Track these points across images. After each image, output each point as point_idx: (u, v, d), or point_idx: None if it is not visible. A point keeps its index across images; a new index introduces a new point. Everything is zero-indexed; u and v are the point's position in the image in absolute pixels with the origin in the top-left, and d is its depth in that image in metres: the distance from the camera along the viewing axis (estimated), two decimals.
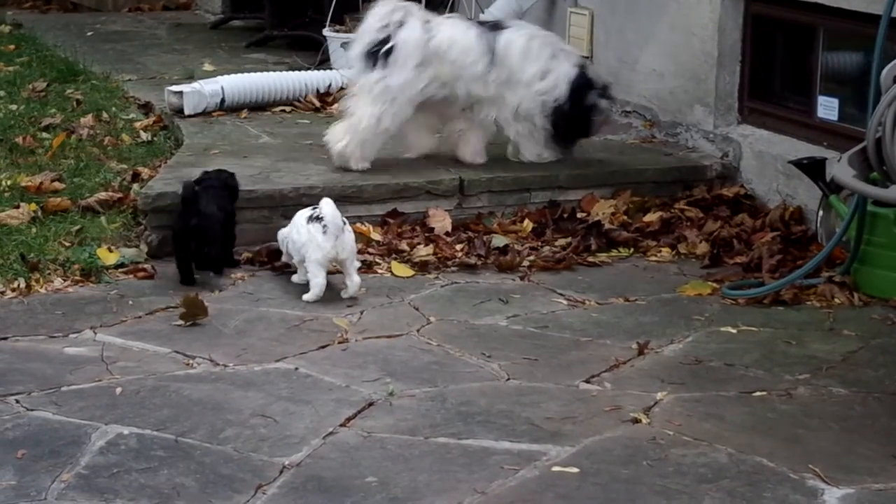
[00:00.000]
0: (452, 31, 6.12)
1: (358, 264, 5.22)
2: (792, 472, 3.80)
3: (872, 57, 5.13)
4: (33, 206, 5.86)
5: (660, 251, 5.78)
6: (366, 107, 6.05)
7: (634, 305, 5.17)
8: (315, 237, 5.08)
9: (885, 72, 4.81)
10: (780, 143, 6.10)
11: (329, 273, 5.16)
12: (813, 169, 5.54)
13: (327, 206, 5.11)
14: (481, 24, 6.34)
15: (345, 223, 5.13)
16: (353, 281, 5.14)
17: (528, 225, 5.90)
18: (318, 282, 5.11)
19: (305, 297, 5.12)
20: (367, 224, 5.78)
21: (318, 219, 5.09)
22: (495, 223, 5.93)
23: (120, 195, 6.01)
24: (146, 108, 7.50)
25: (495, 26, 6.27)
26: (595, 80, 6.28)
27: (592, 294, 5.27)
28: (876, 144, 4.80)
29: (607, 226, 5.88)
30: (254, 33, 9.43)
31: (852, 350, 4.73)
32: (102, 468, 3.75)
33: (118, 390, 4.27)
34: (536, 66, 6.15)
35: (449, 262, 5.57)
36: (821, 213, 5.58)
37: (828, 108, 5.92)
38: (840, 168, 4.88)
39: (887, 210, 5.14)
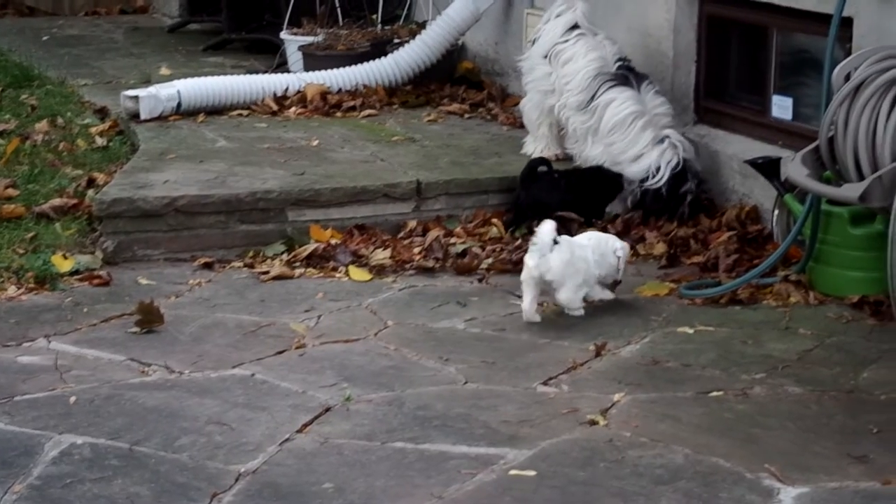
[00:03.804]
0: (578, 48, 6.23)
1: (573, 287, 4.97)
2: (748, 471, 3.81)
3: (824, 56, 5.16)
4: None
5: None
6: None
7: (592, 307, 5.16)
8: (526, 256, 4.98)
9: (836, 71, 4.85)
10: (735, 142, 6.12)
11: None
12: (768, 168, 5.56)
13: (542, 227, 4.97)
14: (619, 66, 6.20)
15: (556, 243, 4.92)
16: (560, 298, 4.98)
17: (490, 229, 5.90)
18: (522, 305, 4.98)
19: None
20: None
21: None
22: (459, 226, 5.92)
23: (75, 201, 5.97)
24: (102, 112, 7.44)
25: (621, 77, 6.15)
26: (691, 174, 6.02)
27: (550, 296, 5.26)
28: (829, 143, 4.84)
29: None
30: (211, 37, 9.39)
31: (808, 349, 4.75)
32: (55, 479, 3.72)
33: (72, 399, 4.23)
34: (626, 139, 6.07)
35: (407, 266, 5.57)
36: (776, 212, 5.61)
37: (782, 107, 5.94)
38: (794, 167, 4.91)
39: (841, 209, 5.16)
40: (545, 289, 4.99)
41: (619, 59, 6.24)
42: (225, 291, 5.30)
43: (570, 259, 4.94)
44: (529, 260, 4.93)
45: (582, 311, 5.02)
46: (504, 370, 4.55)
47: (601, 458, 3.88)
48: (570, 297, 4.98)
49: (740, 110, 6.24)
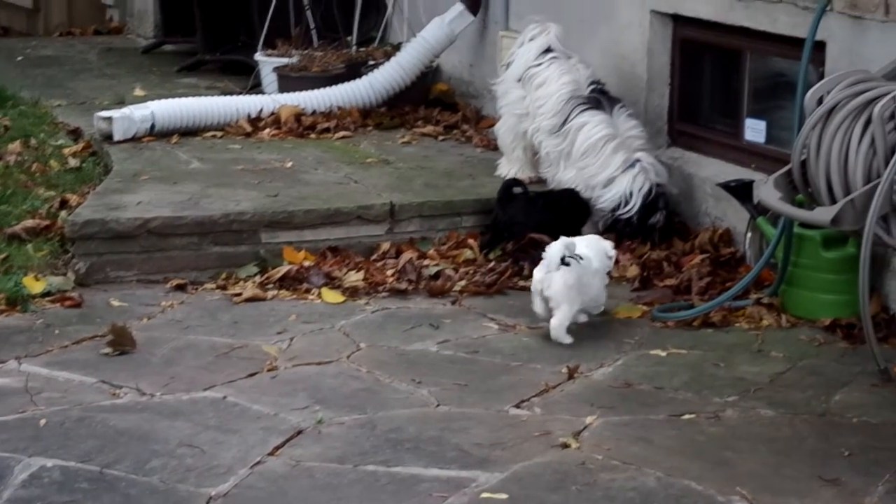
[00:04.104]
0: (552, 72, 6.21)
1: (567, 314, 4.99)
2: (720, 494, 3.81)
3: (797, 80, 5.18)
4: None
5: None
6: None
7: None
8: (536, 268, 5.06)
9: (809, 95, 4.87)
10: (708, 165, 6.14)
11: None
12: (740, 191, 5.58)
13: (554, 244, 5.04)
14: (592, 90, 6.18)
15: (564, 264, 4.95)
16: (552, 323, 5.00)
17: (464, 251, 5.89)
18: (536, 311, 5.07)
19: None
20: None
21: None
22: (432, 249, 5.92)
23: (47, 223, 5.95)
24: (75, 133, 7.42)
25: (593, 101, 6.14)
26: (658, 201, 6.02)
27: (523, 318, 5.26)
28: (801, 167, 4.86)
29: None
30: (186, 58, 9.38)
31: (780, 371, 4.76)
32: (25, 502, 3.69)
33: (42, 422, 4.20)
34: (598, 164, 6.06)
35: (380, 288, 5.56)
36: (749, 235, 5.62)
37: (755, 130, 5.97)
38: (766, 190, 4.93)
39: (813, 232, 5.18)
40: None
41: (593, 83, 6.25)
42: (197, 313, 5.28)
43: (574, 283, 4.97)
44: (537, 273, 5.03)
45: (570, 340, 5.00)
46: (476, 393, 4.54)
47: (573, 481, 3.87)
48: (561, 324, 4.98)
49: (714, 133, 6.26)
